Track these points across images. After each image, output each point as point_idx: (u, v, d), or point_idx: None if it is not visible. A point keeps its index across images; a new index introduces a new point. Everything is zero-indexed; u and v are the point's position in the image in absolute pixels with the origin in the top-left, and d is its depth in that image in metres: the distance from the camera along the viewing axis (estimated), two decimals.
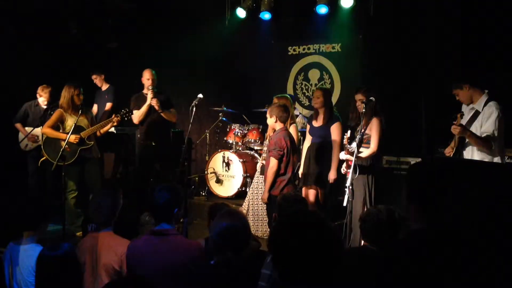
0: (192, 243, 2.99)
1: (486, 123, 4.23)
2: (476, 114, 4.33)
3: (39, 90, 6.47)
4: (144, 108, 5.95)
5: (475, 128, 4.31)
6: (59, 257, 2.41)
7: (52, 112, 5.77)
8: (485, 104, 4.30)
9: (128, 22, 8.10)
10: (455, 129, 4.27)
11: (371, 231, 2.97)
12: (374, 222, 2.95)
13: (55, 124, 5.51)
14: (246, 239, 2.56)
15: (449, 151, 4.59)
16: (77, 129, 5.37)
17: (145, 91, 6.11)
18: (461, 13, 6.10)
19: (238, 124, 7.22)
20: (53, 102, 6.28)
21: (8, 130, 6.59)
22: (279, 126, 4.76)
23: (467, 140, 4.38)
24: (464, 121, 4.41)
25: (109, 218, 3.23)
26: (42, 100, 6.43)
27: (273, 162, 4.62)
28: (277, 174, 4.65)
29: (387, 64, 6.72)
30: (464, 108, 4.54)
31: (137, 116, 5.97)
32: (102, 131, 5.67)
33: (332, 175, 5.15)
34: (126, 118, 5.80)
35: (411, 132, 6.44)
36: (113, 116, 5.65)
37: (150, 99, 5.91)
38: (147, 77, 6.08)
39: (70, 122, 5.43)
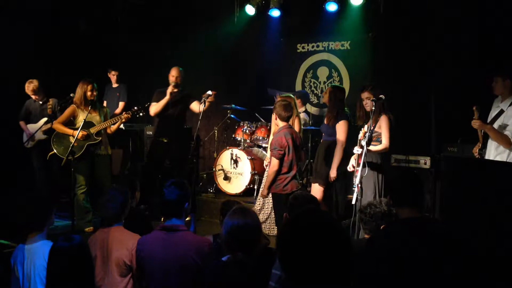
0: (201, 239, 3.00)
1: (509, 122, 4.23)
2: (500, 113, 4.34)
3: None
4: (162, 101, 5.97)
5: (496, 127, 4.32)
6: (71, 248, 2.42)
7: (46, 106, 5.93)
8: (511, 105, 4.31)
9: (137, 20, 8.12)
10: (474, 123, 4.27)
11: (368, 222, 3.02)
12: (371, 213, 3.00)
13: (66, 119, 5.56)
14: (257, 237, 2.54)
15: (476, 149, 4.59)
16: (87, 125, 5.43)
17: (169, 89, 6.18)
18: (477, 10, 6.02)
19: (246, 122, 7.22)
20: (44, 96, 6.32)
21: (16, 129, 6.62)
22: (281, 124, 4.72)
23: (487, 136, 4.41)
24: (488, 120, 4.42)
25: (119, 213, 3.25)
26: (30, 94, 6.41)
27: (274, 162, 4.58)
28: (279, 172, 4.59)
29: (396, 62, 6.68)
30: (496, 103, 4.54)
31: (154, 108, 6.01)
32: (112, 129, 5.71)
33: (332, 173, 5.10)
34: (137, 116, 5.82)
35: (420, 130, 6.41)
36: (123, 113, 5.71)
37: (169, 93, 5.96)
38: (172, 74, 6.14)
39: (81, 117, 5.47)
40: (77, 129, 5.37)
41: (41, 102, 6.35)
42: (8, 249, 3.85)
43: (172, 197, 2.93)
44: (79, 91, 5.53)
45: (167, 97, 5.97)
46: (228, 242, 2.53)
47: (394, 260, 2.27)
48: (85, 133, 5.43)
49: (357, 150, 4.58)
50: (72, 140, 5.37)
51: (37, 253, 3.00)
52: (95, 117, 5.59)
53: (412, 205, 2.60)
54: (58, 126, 5.51)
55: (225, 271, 2.49)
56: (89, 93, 5.53)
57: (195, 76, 8.04)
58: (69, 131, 5.46)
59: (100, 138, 5.58)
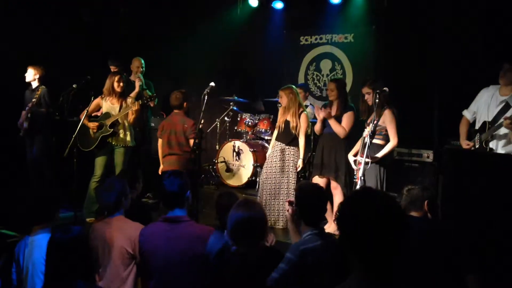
0: (205, 229, 2.98)
1: None
2: (507, 106, 4.17)
3: None
4: (133, 93, 6.21)
5: (504, 123, 4.15)
6: (69, 240, 2.41)
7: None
8: None
9: (139, 11, 8.09)
10: (508, 125, 4.04)
11: None
12: None
13: (92, 111, 5.71)
14: (263, 229, 2.53)
15: (467, 144, 4.51)
16: (105, 116, 5.62)
17: (132, 77, 6.57)
18: (485, 4, 5.97)
19: (249, 114, 7.21)
20: (39, 84, 6.32)
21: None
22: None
23: (494, 132, 4.24)
24: (492, 114, 4.28)
25: (116, 202, 3.24)
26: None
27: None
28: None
29: (400, 55, 6.65)
30: (491, 97, 4.36)
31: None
32: (131, 120, 5.70)
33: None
34: (147, 103, 5.86)
35: (423, 123, 6.39)
36: (135, 103, 5.69)
37: (138, 86, 6.31)
38: (137, 65, 6.59)
39: (105, 108, 5.66)
40: (96, 121, 5.59)
41: (32, 90, 6.36)
42: (12, 239, 3.87)
43: (173, 188, 2.91)
44: (107, 82, 5.65)
45: (137, 89, 6.27)
46: (234, 234, 2.52)
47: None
48: (96, 125, 5.55)
49: (352, 159, 4.75)
50: (92, 132, 5.58)
51: (37, 246, 3.01)
52: (116, 108, 5.65)
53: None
54: (86, 118, 5.59)
55: (230, 263, 2.49)
56: (115, 84, 5.62)
57: (197, 68, 8.03)
58: (85, 122, 5.57)
59: (112, 129, 5.60)
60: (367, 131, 4.54)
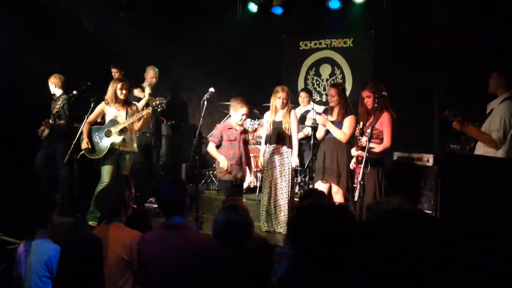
0: (205, 236, 2.97)
1: (493, 121, 4.07)
2: (491, 112, 4.20)
3: None
4: (143, 101, 6.35)
5: (484, 126, 4.20)
6: (88, 245, 2.42)
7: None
8: (501, 103, 4.13)
9: (140, 17, 8.12)
10: (455, 125, 4.18)
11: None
12: (378, 211, 2.98)
13: (96, 118, 5.69)
14: (244, 233, 2.53)
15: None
16: (112, 123, 5.57)
17: (144, 84, 6.62)
18: (478, 6, 6.00)
19: (249, 119, 7.19)
20: (62, 93, 6.38)
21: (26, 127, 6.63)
22: None
23: None
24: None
25: (114, 208, 3.24)
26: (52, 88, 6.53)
27: None
28: None
29: (399, 60, 6.66)
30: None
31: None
32: (137, 127, 5.69)
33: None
34: (158, 110, 5.81)
35: (423, 127, 6.39)
36: (144, 109, 5.68)
37: (148, 94, 6.38)
38: (151, 76, 6.64)
39: (111, 115, 5.63)
40: (102, 128, 5.59)
41: (55, 99, 6.42)
42: (12, 246, 3.88)
43: (172, 194, 2.89)
44: (110, 89, 5.61)
45: (146, 98, 6.34)
46: (217, 238, 2.55)
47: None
48: (87, 146, 5.52)
49: (354, 152, 4.70)
50: (99, 139, 5.56)
51: (36, 251, 3.02)
52: (122, 114, 5.63)
53: (402, 195, 2.69)
54: (86, 126, 5.58)
55: (214, 266, 2.50)
56: (119, 92, 5.58)
57: (197, 74, 8.05)
58: (84, 132, 5.56)
59: (122, 137, 5.59)
60: (357, 130, 4.56)
